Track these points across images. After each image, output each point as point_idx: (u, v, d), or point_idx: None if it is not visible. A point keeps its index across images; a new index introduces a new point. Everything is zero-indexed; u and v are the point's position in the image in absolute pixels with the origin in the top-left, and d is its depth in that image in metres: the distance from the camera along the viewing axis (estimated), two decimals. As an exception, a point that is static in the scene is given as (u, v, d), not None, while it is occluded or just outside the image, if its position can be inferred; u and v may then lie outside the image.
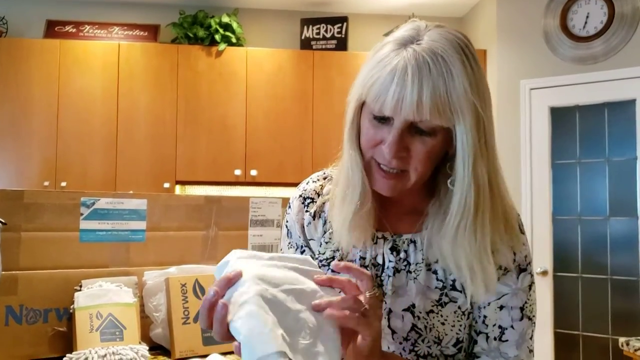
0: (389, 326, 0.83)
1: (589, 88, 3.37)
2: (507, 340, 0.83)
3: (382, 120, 0.75)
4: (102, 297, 1.27)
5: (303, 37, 4.12)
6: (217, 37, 3.86)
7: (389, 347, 0.82)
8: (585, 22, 3.37)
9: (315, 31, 4.12)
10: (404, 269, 0.84)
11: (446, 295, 0.82)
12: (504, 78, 3.68)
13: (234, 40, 3.92)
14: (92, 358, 1.17)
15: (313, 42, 4.10)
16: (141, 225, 1.41)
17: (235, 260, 0.73)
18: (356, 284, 0.72)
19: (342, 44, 4.06)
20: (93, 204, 1.36)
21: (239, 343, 0.66)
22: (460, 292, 0.82)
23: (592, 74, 3.36)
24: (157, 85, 3.82)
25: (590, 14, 3.36)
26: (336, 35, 4.09)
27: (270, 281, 0.70)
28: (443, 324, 0.82)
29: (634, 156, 3.24)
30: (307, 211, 0.92)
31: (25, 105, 3.69)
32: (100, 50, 3.78)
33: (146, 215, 1.42)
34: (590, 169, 3.39)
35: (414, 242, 0.84)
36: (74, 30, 3.91)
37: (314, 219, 0.91)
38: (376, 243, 0.85)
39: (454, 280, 0.82)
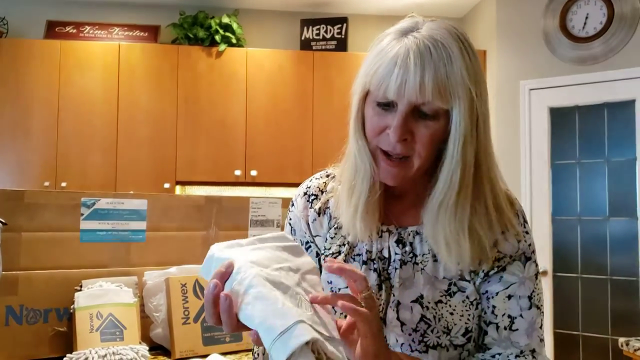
0: (397, 318, 0.83)
1: (589, 88, 3.38)
2: (517, 330, 0.83)
3: (386, 107, 0.78)
4: (103, 297, 1.27)
5: (303, 38, 4.13)
6: (217, 37, 3.87)
7: (397, 340, 0.82)
8: (585, 23, 3.38)
9: (315, 32, 4.12)
10: (411, 261, 0.85)
11: (455, 284, 0.83)
12: (503, 79, 3.69)
13: (234, 40, 3.92)
14: (93, 358, 1.17)
15: (313, 43, 4.11)
16: (141, 225, 1.41)
17: (220, 253, 0.72)
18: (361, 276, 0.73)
19: (342, 45, 4.07)
20: (93, 204, 1.36)
21: (255, 331, 0.65)
22: (469, 282, 0.83)
23: (591, 74, 3.36)
24: (158, 86, 3.83)
25: (590, 14, 3.36)
26: (336, 36, 4.09)
27: (261, 263, 0.70)
28: (452, 313, 0.82)
29: (633, 156, 3.24)
30: (311, 208, 0.93)
31: (26, 105, 3.69)
32: (100, 51, 3.78)
33: (146, 216, 1.42)
34: (590, 170, 3.40)
35: (419, 233, 0.86)
36: (75, 30, 3.91)
37: (319, 216, 0.93)
38: (381, 237, 0.87)
39: (461, 270, 0.83)
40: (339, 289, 0.87)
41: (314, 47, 4.09)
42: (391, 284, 0.85)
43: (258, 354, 0.91)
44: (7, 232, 1.23)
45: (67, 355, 1.19)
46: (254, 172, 3.87)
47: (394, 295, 0.84)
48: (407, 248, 0.85)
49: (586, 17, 3.37)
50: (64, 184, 3.67)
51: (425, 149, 0.78)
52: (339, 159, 0.91)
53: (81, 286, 1.31)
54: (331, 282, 0.88)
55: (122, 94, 3.79)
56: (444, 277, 0.84)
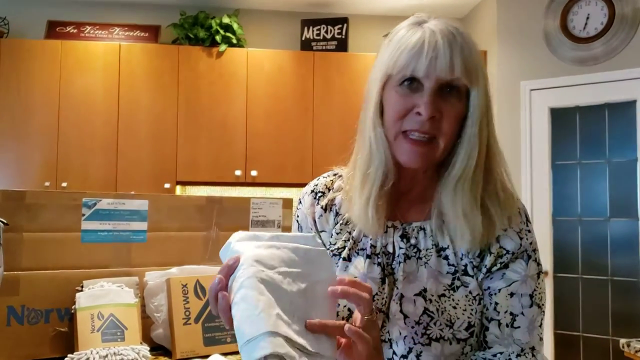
0: (400, 311, 0.84)
1: (589, 89, 3.38)
2: (519, 327, 0.84)
3: (412, 86, 0.80)
4: (104, 297, 1.27)
5: (303, 38, 4.13)
6: (218, 38, 3.87)
7: (400, 332, 0.83)
8: (586, 23, 3.37)
9: (315, 32, 4.12)
10: (415, 256, 0.86)
11: (458, 279, 0.84)
12: (504, 79, 3.68)
13: (234, 41, 3.92)
14: (94, 358, 1.17)
15: (313, 43, 4.11)
16: (142, 225, 1.41)
17: (235, 243, 0.72)
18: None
19: (342, 45, 4.07)
20: (95, 204, 1.36)
21: None
22: (472, 277, 0.84)
23: (592, 75, 3.36)
24: (158, 86, 3.83)
25: (591, 15, 3.36)
26: (336, 36, 4.09)
27: (267, 263, 0.69)
28: (455, 307, 0.83)
29: (634, 157, 3.24)
30: (318, 204, 0.95)
31: (27, 105, 3.69)
32: (101, 51, 3.78)
33: (147, 216, 1.42)
34: (591, 170, 3.39)
35: (424, 229, 0.87)
36: (75, 31, 3.91)
37: (325, 212, 0.95)
38: (386, 232, 0.88)
39: (465, 265, 0.85)
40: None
41: (314, 48, 4.09)
42: (395, 278, 0.86)
43: None
44: (8, 233, 1.23)
45: (69, 355, 1.19)
46: (254, 172, 3.87)
47: (397, 288, 0.85)
48: (412, 242, 0.87)
49: (587, 18, 3.37)
50: (64, 184, 3.67)
51: (450, 127, 0.80)
52: (345, 162, 0.93)
53: (82, 286, 1.31)
54: None
55: (122, 94, 3.79)
56: (447, 271, 0.85)
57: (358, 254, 0.89)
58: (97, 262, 1.36)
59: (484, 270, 0.85)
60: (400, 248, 0.87)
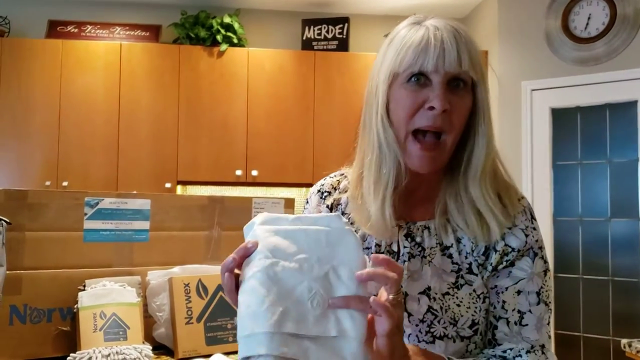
0: (404, 309, 0.83)
1: (591, 89, 3.38)
2: (527, 325, 0.84)
3: (420, 81, 0.80)
4: (106, 296, 1.27)
5: (304, 38, 4.13)
6: (219, 37, 3.87)
7: (404, 330, 0.83)
8: (587, 24, 3.37)
9: (316, 32, 4.12)
10: (419, 254, 0.87)
11: (462, 277, 0.85)
12: (505, 79, 3.68)
13: (235, 40, 3.92)
14: (96, 358, 1.17)
15: (314, 43, 4.10)
16: (145, 225, 1.41)
17: (258, 227, 0.72)
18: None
19: (343, 45, 4.07)
20: (97, 203, 1.36)
21: None
22: (476, 275, 0.85)
23: (593, 75, 3.36)
24: (159, 86, 3.83)
25: (592, 15, 3.36)
26: (337, 36, 4.09)
27: (284, 252, 0.68)
28: (459, 305, 0.83)
29: (635, 157, 3.24)
30: (324, 204, 0.96)
31: (27, 105, 3.69)
32: (102, 51, 3.78)
33: (150, 215, 1.42)
34: (592, 170, 3.39)
35: (428, 228, 0.88)
36: (76, 30, 3.91)
37: (330, 211, 0.96)
38: None
39: (470, 264, 0.85)
40: None
41: (315, 47, 4.09)
42: None
43: None
44: (10, 232, 1.23)
45: (71, 354, 1.19)
46: (254, 172, 3.87)
47: (401, 287, 0.84)
48: (417, 240, 0.87)
49: (588, 18, 3.37)
50: (65, 184, 3.67)
51: (460, 121, 0.81)
52: (350, 162, 0.93)
53: (84, 286, 1.31)
54: None
55: (123, 93, 3.79)
56: (452, 270, 0.85)
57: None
58: (100, 262, 1.35)
59: (489, 268, 0.85)
60: (405, 247, 0.87)
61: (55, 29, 3.90)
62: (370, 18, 4.32)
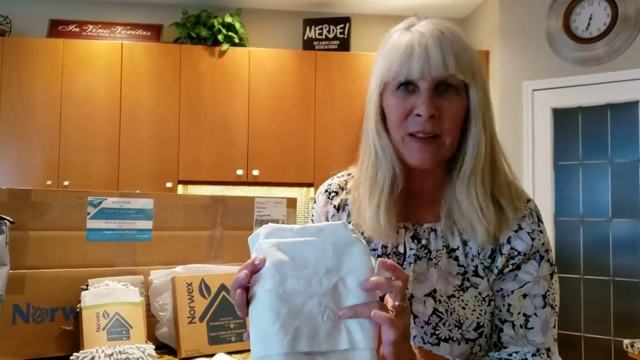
0: (410, 311, 0.83)
1: (592, 89, 3.38)
2: (532, 328, 0.84)
3: (408, 88, 0.82)
4: (109, 296, 1.27)
5: (305, 38, 4.13)
6: (220, 37, 3.87)
7: (410, 333, 0.83)
8: (589, 24, 3.37)
9: (317, 32, 4.12)
10: (425, 257, 0.87)
11: (468, 280, 0.85)
12: (506, 79, 3.68)
13: (236, 40, 3.92)
14: (99, 357, 1.17)
15: (315, 43, 4.10)
16: (147, 224, 1.41)
17: (263, 241, 0.71)
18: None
19: (344, 45, 4.07)
20: (100, 203, 1.36)
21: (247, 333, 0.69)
22: (482, 278, 0.85)
23: (594, 75, 3.36)
24: (160, 85, 3.83)
25: (594, 15, 3.36)
26: (338, 35, 4.09)
27: (292, 266, 0.68)
28: (464, 308, 0.83)
29: (636, 158, 3.24)
30: (331, 204, 0.97)
31: (28, 104, 3.69)
32: (103, 50, 3.78)
33: (153, 215, 1.42)
34: (593, 171, 3.39)
35: (435, 230, 0.88)
36: (77, 29, 3.91)
37: (337, 211, 0.96)
38: (398, 233, 0.88)
39: (476, 266, 0.85)
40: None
41: (316, 47, 4.09)
42: None
43: None
44: (13, 231, 1.23)
45: (74, 354, 1.19)
46: (255, 172, 3.87)
47: (407, 289, 0.84)
48: (423, 242, 0.87)
49: (590, 18, 3.37)
50: (66, 183, 3.67)
51: (452, 124, 0.81)
52: (356, 161, 0.93)
53: (87, 285, 1.31)
54: None
55: (124, 93, 3.79)
56: (457, 272, 0.85)
57: None
58: (102, 261, 1.35)
59: (495, 271, 0.85)
60: (411, 249, 0.87)
61: (56, 29, 3.90)
62: (371, 18, 4.32)
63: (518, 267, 0.85)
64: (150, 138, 3.80)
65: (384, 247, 0.89)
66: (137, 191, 1.49)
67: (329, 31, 4.11)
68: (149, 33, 4.01)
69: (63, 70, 3.73)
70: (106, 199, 1.37)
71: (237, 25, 3.94)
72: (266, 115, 3.91)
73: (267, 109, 3.91)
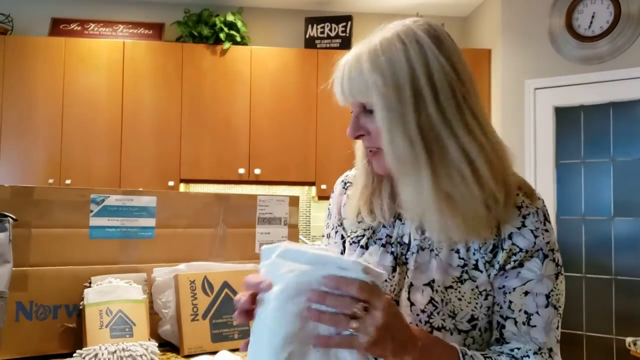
0: (408, 298, 0.86)
1: (594, 88, 3.37)
2: (535, 326, 0.84)
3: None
4: (112, 293, 1.27)
5: (307, 36, 4.13)
6: (222, 35, 3.87)
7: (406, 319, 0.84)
8: (591, 22, 3.37)
9: (319, 30, 4.12)
10: (428, 247, 0.88)
11: (467, 273, 0.85)
12: (508, 78, 3.68)
13: (238, 39, 3.92)
14: (102, 354, 1.17)
15: (317, 41, 4.10)
16: (150, 222, 1.41)
17: (275, 259, 0.74)
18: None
19: (346, 43, 4.06)
20: (103, 200, 1.36)
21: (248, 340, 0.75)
22: (482, 272, 0.85)
23: (597, 73, 3.35)
24: (162, 84, 3.83)
25: (596, 13, 3.36)
26: (340, 34, 4.09)
27: (298, 292, 0.71)
28: (460, 299, 0.84)
29: (639, 156, 3.23)
30: (345, 194, 1.02)
31: (30, 102, 3.69)
32: (105, 49, 3.78)
33: (155, 213, 1.42)
34: (595, 169, 3.39)
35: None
36: (79, 28, 3.92)
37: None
38: (404, 224, 0.91)
39: (476, 260, 0.85)
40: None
41: (318, 46, 4.09)
42: (407, 268, 0.88)
43: None
44: (16, 228, 1.23)
45: (77, 351, 1.19)
46: (257, 171, 3.87)
47: (407, 277, 0.87)
48: (427, 234, 0.88)
49: (592, 16, 3.36)
50: (68, 181, 3.68)
51: (378, 140, 0.84)
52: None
53: (90, 282, 1.31)
54: None
55: (126, 91, 3.79)
56: (457, 265, 0.86)
57: (375, 242, 0.93)
58: (105, 258, 1.36)
59: (496, 266, 0.85)
60: (415, 239, 0.89)
61: (58, 27, 3.91)
62: (373, 16, 4.31)
63: (521, 264, 0.85)
64: (152, 137, 3.80)
65: (389, 236, 0.92)
66: (140, 189, 1.49)
67: (330, 30, 4.11)
68: (151, 32, 4.01)
69: (65, 68, 3.74)
70: (109, 197, 1.37)
71: (239, 24, 3.94)
72: (268, 114, 3.91)
73: (268, 107, 3.91)
